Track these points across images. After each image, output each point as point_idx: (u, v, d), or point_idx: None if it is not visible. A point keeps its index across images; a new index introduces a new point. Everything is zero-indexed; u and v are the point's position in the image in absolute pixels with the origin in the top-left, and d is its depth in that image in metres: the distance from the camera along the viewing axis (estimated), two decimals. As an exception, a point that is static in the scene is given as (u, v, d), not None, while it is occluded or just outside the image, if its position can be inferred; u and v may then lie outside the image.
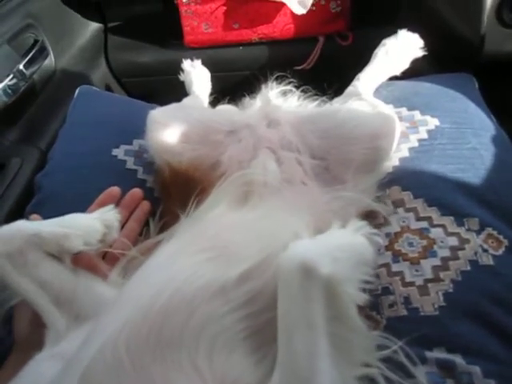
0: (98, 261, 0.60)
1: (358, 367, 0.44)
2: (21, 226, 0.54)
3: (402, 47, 0.79)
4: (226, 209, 0.60)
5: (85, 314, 0.54)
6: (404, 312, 0.56)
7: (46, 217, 0.61)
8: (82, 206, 0.64)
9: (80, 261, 0.57)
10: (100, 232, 0.57)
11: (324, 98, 0.77)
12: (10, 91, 0.91)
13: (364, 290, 0.46)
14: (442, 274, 0.56)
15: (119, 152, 0.77)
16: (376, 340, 0.47)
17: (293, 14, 1.15)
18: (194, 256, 0.50)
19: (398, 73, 0.80)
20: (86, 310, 0.54)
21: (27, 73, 0.96)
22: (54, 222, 0.56)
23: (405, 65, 0.79)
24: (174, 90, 0.93)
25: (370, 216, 0.63)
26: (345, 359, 0.42)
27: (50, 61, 1.07)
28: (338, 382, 0.41)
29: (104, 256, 0.62)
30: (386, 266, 0.60)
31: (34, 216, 0.66)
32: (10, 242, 0.52)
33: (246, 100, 0.78)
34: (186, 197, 0.62)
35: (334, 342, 0.41)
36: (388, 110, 0.70)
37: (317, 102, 0.76)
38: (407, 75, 0.80)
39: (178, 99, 0.87)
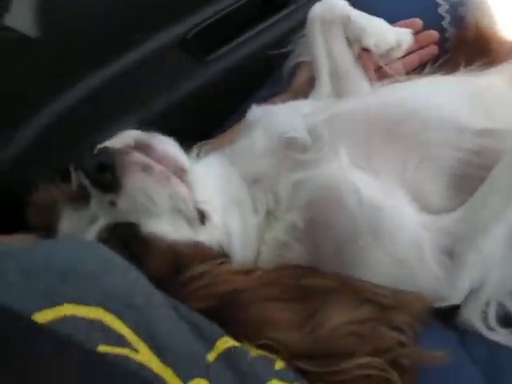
0: (372, 67, 0.69)
1: None
2: (341, 4, 0.66)
3: None
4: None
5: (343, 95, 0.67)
6: None
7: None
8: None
9: (363, 56, 0.68)
10: (392, 44, 0.66)
11: None
12: None
13: None
14: None
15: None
16: None
17: None
18: (459, 94, 0.56)
19: None
20: (346, 92, 0.67)
21: None
22: (365, 16, 0.67)
23: None
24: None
25: None
26: None
27: None
28: (499, 259, 0.46)
29: (377, 69, 0.71)
30: None
31: None
32: (330, 12, 0.66)
33: None
34: (473, 57, 0.65)
35: None
36: None
37: None
38: None
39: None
